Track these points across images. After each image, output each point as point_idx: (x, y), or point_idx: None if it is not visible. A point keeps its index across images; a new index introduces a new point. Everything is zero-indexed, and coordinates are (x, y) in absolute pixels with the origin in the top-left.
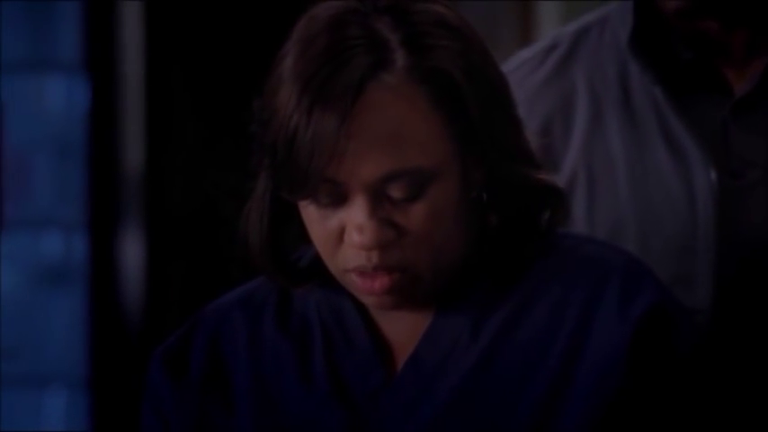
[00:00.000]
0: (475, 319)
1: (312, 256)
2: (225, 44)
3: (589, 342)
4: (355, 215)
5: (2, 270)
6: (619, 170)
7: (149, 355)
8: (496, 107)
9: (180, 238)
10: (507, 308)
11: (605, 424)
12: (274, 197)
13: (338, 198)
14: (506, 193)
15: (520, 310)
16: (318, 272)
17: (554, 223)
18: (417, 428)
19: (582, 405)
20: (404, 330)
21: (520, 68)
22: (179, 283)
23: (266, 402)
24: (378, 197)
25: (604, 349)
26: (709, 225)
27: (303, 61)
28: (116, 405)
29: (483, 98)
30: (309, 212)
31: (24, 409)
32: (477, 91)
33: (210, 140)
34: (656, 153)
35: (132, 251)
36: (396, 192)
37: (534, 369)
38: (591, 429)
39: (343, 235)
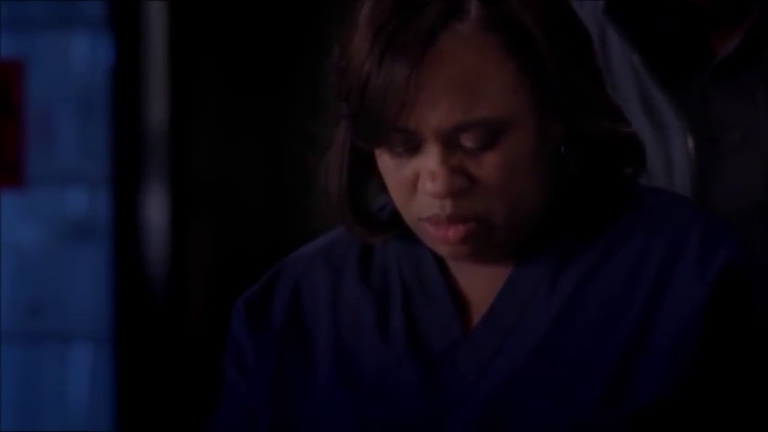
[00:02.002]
0: (553, 273)
1: (393, 208)
2: (250, 1)
3: (667, 298)
4: (428, 163)
5: (26, 226)
6: None
7: (172, 310)
8: (574, 59)
9: (203, 194)
10: (586, 262)
11: (681, 381)
12: (353, 147)
13: (412, 146)
14: (586, 147)
15: (598, 265)
16: (398, 224)
17: (633, 176)
18: (494, 382)
19: (658, 361)
20: (482, 284)
21: None
22: (202, 238)
23: (345, 355)
24: (450, 146)
25: (682, 306)
26: (685, 193)
27: (377, 8)
28: (140, 360)
29: (559, 49)
30: (384, 161)
31: (49, 365)
32: (552, 42)
33: (234, 97)
34: (634, 121)
35: (156, 207)
36: (468, 141)
37: (611, 324)
38: (667, 386)
39: (417, 183)
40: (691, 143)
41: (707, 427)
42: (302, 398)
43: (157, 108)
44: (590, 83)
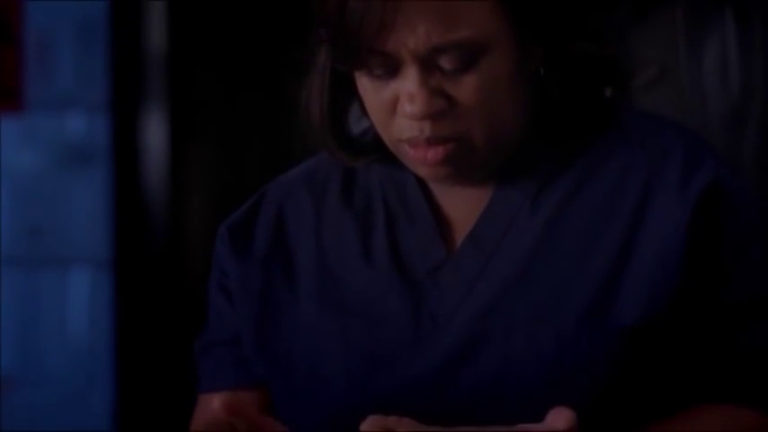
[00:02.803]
0: (534, 194)
1: (375, 132)
2: None
3: (649, 218)
4: (406, 85)
5: (26, 151)
6: None
7: (171, 234)
8: None
9: (203, 118)
10: (567, 184)
11: (666, 300)
12: (334, 71)
13: (390, 69)
14: (566, 69)
15: (580, 186)
16: (380, 148)
17: (615, 98)
18: (477, 304)
19: (641, 283)
20: (464, 207)
21: None
22: (201, 162)
23: (328, 277)
24: (429, 68)
25: (664, 226)
26: None
27: None
28: (139, 284)
29: None
30: (364, 84)
31: (49, 289)
32: None
33: (235, 22)
34: None
35: (155, 132)
36: (446, 63)
37: (593, 245)
38: (651, 306)
39: (396, 106)
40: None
41: (692, 346)
42: (286, 321)
43: (157, 32)
44: (568, 6)
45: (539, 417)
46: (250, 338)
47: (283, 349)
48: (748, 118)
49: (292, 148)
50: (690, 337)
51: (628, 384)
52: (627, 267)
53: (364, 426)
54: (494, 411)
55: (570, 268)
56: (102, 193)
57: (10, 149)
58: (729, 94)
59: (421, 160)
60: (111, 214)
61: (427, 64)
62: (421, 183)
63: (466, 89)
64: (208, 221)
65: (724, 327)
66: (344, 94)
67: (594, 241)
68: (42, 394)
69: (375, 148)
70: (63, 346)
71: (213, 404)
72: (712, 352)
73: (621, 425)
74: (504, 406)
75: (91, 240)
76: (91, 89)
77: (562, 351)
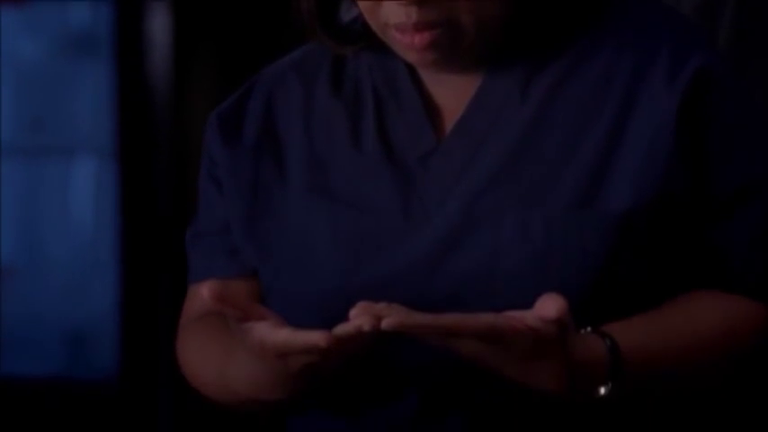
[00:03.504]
0: (524, 81)
1: (364, 20)
2: None
3: (638, 107)
4: None
5: (28, 41)
6: None
7: (175, 124)
8: None
9: (207, 7)
10: (556, 70)
11: (655, 188)
12: None
13: None
14: None
15: (569, 75)
16: (368, 35)
17: None
18: (466, 190)
19: (630, 171)
20: (454, 94)
21: None
22: (205, 51)
23: (318, 165)
24: None
25: (653, 114)
26: None
27: None
28: (142, 174)
29: None
30: None
31: (52, 179)
32: None
33: None
34: None
35: (159, 20)
36: None
37: (582, 133)
38: (639, 197)
39: None
40: None
41: (682, 235)
42: (276, 209)
43: None
44: None
45: (529, 305)
46: (239, 226)
47: (272, 237)
48: (722, 10)
49: (292, 39)
50: (680, 226)
51: (619, 274)
52: (615, 155)
53: (353, 312)
54: (483, 299)
55: (559, 156)
56: (106, 83)
57: (13, 39)
58: None
59: (408, 45)
60: (114, 104)
61: None
62: (411, 71)
63: None
64: (211, 110)
65: (714, 215)
66: None
67: (583, 129)
68: (45, 284)
69: (364, 35)
70: (66, 236)
71: (202, 293)
72: (702, 240)
73: (614, 315)
74: (494, 293)
75: (95, 130)
76: None
77: (551, 237)
